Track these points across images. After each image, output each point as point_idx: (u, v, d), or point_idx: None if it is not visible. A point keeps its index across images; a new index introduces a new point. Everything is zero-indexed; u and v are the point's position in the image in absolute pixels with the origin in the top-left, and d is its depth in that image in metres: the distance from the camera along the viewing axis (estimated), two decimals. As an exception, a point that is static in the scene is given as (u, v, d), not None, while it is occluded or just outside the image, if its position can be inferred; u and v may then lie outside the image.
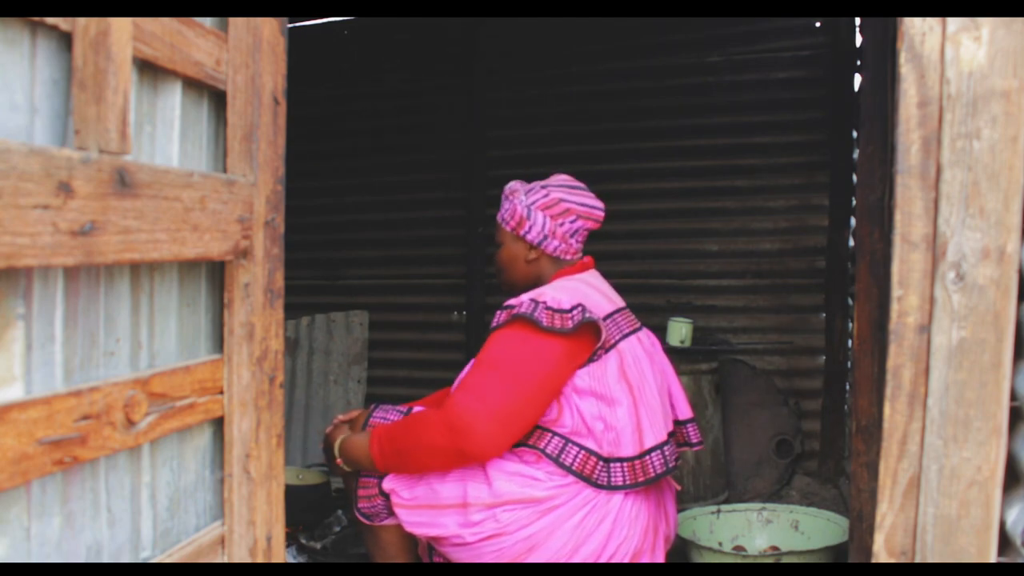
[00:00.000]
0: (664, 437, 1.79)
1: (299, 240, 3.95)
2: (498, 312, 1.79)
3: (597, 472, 1.73)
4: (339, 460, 1.87)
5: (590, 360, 1.76)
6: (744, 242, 3.62)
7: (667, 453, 1.79)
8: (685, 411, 1.96)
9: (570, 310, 1.72)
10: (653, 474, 1.75)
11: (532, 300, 1.74)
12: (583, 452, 1.73)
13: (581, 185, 1.93)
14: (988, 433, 1.04)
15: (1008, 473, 1.06)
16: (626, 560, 1.74)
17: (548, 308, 1.72)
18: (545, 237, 1.88)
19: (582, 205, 1.89)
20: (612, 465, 1.73)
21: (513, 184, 1.95)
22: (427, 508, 1.77)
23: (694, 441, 1.96)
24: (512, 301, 1.78)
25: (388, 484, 1.81)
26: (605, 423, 1.73)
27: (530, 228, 1.88)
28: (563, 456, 1.73)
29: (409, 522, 1.79)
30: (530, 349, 1.70)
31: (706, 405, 3.14)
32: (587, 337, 1.76)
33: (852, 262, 3.25)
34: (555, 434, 1.76)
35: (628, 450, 1.73)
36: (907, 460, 1.07)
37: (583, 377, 1.74)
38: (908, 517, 1.08)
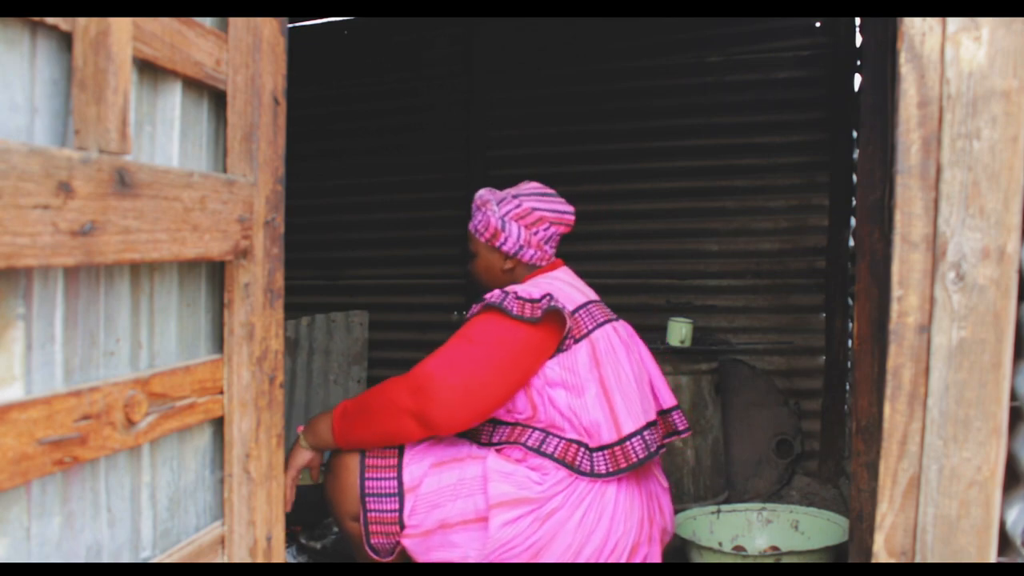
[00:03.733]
0: (643, 423, 1.80)
1: (299, 240, 3.96)
2: (474, 305, 1.86)
3: (580, 459, 1.75)
4: (302, 445, 1.85)
5: (559, 350, 1.79)
6: (744, 242, 3.62)
7: (648, 438, 1.79)
8: (668, 399, 1.97)
9: (539, 299, 1.76)
10: (635, 459, 1.76)
11: (503, 292, 1.80)
12: (564, 442, 1.77)
13: (551, 191, 1.96)
14: (988, 433, 1.04)
15: (1008, 473, 1.06)
16: (626, 553, 1.75)
17: (518, 298, 1.77)
18: (521, 247, 1.92)
19: (553, 212, 1.93)
20: (595, 454, 1.75)
21: (483, 194, 1.96)
22: (438, 530, 1.77)
23: (681, 428, 1.97)
24: (486, 295, 1.84)
25: (408, 518, 1.79)
26: (576, 413, 1.76)
27: (505, 239, 1.91)
28: (544, 447, 1.77)
29: (419, 551, 1.79)
30: (500, 331, 1.75)
31: (706, 405, 3.14)
32: (555, 327, 1.79)
33: (852, 262, 3.25)
34: (534, 429, 1.80)
35: (606, 437, 1.75)
36: (907, 460, 1.07)
37: (553, 368, 1.78)
38: (908, 517, 1.08)
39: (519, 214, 1.91)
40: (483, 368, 1.72)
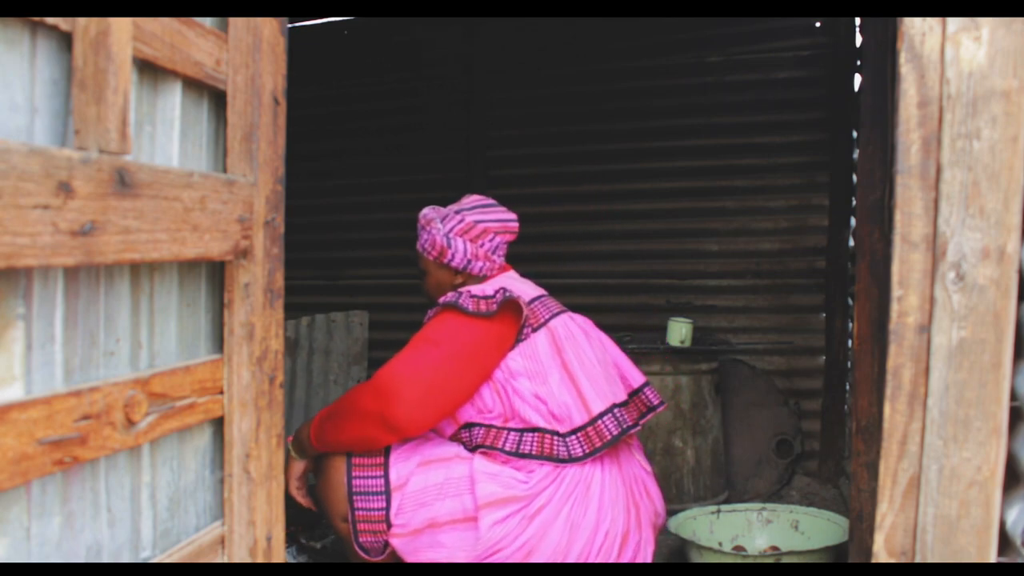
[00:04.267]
0: (611, 403, 1.82)
1: (299, 240, 3.96)
2: (429, 310, 1.91)
3: (556, 447, 1.77)
4: (292, 456, 1.92)
5: (519, 341, 1.83)
6: (744, 242, 3.62)
7: (619, 415, 1.82)
8: (638, 378, 1.99)
9: (493, 295, 1.81)
10: (609, 437, 1.78)
11: (457, 292, 1.85)
12: (538, 434, 1.79)
13: (491, 202, 2.01)
14: (988, 433, 1.04)
15: (1008, 473, 1.06)
16: (617, 541, 1.77)
17: (472, 296, 1.81)
18: (469, 261, 1.95)
19: (497, 222, 1.97)
20: (568, 439, 1.77)
21: (427, 212, 2.00)
22: (426, 530, 1.77)
23: (656, 403, 1.98)
24: (440, 298, 1.88)
25: (395, 517, 1.80)
26: (544, 400, 1.79)
27: (453, 255, 1.95)
28: (521, 447, 1.79)
29: (407, 551, 1.80)
30: (457, 329, 1.79)
31: (706, 405, 3.14)
32: (512, 319, 1.83)
33: (852, 262, 3.25)
34: (509, 431, 1.82)
35: (577, 419, 1.78)
36: (907, 460, 1.07)
37: (515, 359, 1.82)
38: (908, 517, 1.08)
39: (463, 229, 1.94)
40: (442, 366, 1.75)
